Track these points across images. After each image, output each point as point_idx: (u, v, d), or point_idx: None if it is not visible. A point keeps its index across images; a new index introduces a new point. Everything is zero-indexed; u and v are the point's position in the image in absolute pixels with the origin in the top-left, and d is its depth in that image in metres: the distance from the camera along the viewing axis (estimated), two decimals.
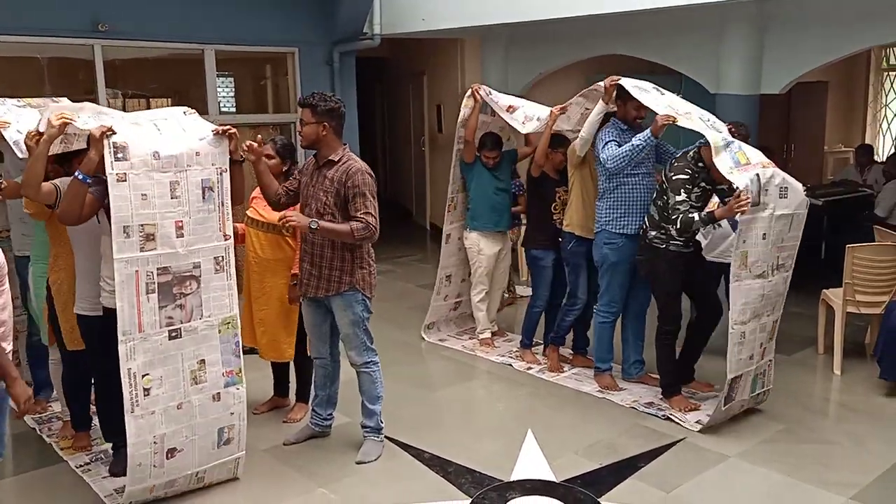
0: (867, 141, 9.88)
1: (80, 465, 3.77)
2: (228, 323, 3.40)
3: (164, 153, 3.17)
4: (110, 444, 3.72)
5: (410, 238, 9.61)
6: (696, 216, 4.00)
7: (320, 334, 3.86)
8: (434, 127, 9.59)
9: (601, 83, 4.49)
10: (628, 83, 4.29)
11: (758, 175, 3.77)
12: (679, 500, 3.45)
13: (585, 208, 4.69)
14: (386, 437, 3.95)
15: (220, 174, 3.34)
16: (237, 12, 7.08)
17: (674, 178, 4.10)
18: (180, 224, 3.21)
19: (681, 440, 4.00)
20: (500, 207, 5.26)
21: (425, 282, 7.27)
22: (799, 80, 6.25)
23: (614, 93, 4.42)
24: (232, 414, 3.46)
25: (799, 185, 4.00)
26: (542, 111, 4.97)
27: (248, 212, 4.15)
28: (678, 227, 4.05)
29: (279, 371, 4.42)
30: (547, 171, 4.92)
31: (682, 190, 4.05)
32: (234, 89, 8.26)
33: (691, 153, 4.13)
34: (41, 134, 3.24)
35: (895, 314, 4.54)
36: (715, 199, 4.40)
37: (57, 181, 3.34)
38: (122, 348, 3.12)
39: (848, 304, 4.89)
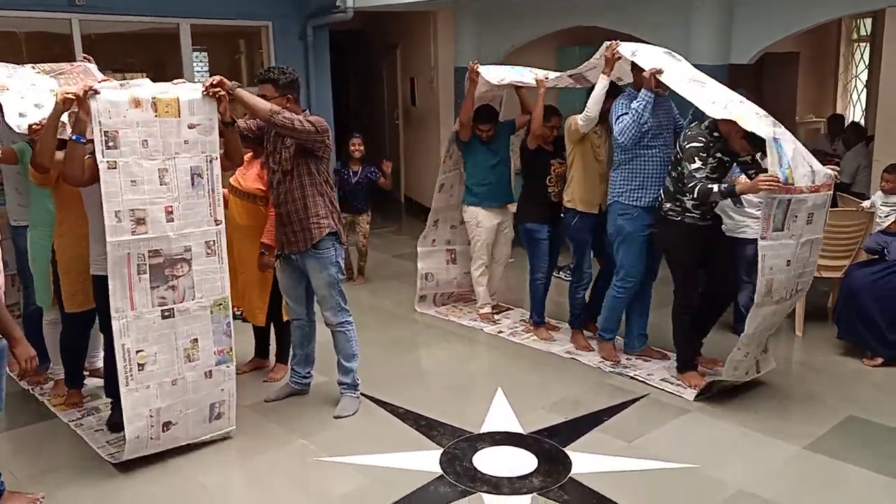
0: (838, 111, 10.06)
1: (73, 420, 3.92)
2: (220, 304, 3.53)
3: (153, 142, 3.26)
4: (109, 400, 3.85)
5: (386, 210, 9.69)
6: (714, 187, 3.82)
7: (296, 296, 3.99)
8: (408, 100, 9.63)
9: (604, 51, 4.30)
10: (627, 50, 4.19)
11: (789, 201, 3.60)
12: (639, 449, 3.62)
13: (587, 183, 4.60)
14: (362, 394, 4.09)
15: (210, 161, 3.43)
16: None
17: (687, 146, 3.95)
18: (170, 209, 3.33)
19: (644, 396, 4.18)
20: (496, 182, 5.20)
21: (401, 252, 7.43)
22: (770, 50, 6.33)
23: (615, 64, 4.30)
24: (222, 390, 3.61)
25: (825, 212, 3.85)
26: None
27: (230, 179, 4.26)
28: (695, 196, 3.88)
29: (260, 334, 4.56)
30: (540, 143, 4.85)
31: (697, 158, 3.90)
32: (207, 64, 8.27)
33: (706, 123, 3.96)
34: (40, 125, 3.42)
35: (853, 276, 4.71)
36: (742, 178, 4.25)
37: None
38: (115, 325, 3.26)
39: None
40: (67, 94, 3.21)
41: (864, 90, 10.24)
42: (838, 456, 3.52)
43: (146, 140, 3.24)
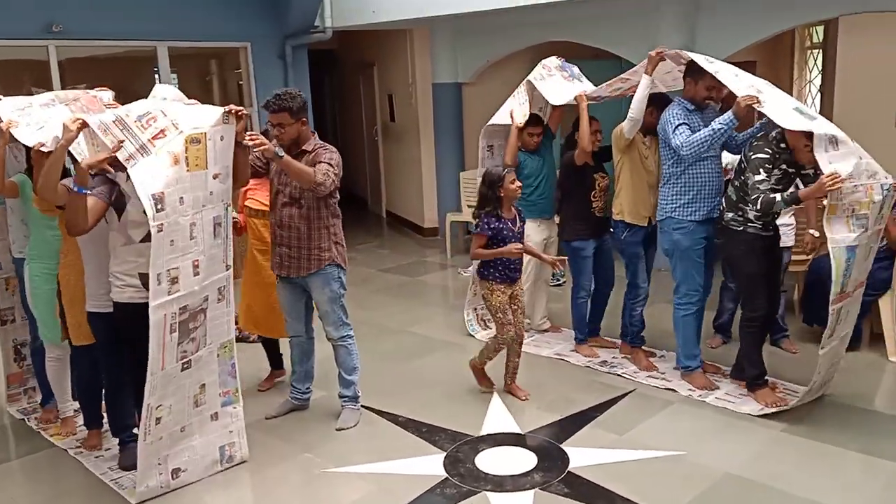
0: None
1: (73, 448, 3.92)
2: (226, 347, 3.50)
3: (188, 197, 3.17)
4: (117, 440, 3.77)
5: (368, 225, 9.90)
6: (777, 197, 3.76)
7: (296, 314, 4.08)
8: (387, 116, 9.80)
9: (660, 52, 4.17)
10: (700, 59, 4.01)
11: (840, 309, 3.67)
12: (630, 441, 3.82)
13: (635, 194, 4.47)
14: (362, 405, 4.21)
15: (226, 208, 3.37)
16: (190, 8, 7.18)
17: (753, 157, 3.86)
18: (196, 263, 3.25)
19: (631, 391, 4.39)
20: (545, 194, 5.02)
21: (385, 266, 7.61)
22: (730, 60, 6.61)
23: (658, 64, 4.19)
24: (231, 432, 3.62)
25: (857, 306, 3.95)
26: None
27: (247, 203, 4.32)
28: (758, 207, 3.81)
29: (269, 347, 4.66)
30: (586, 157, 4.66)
31: (762, 169, 3.82)
32: (177, 85, 8.34)
33: (773, 133, 3.88)
34: (42, 145, 3.34)
35: (817, 267, 4.93)
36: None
37: (66, 181, 3.28)
38: (147, 386, 3.17)
39: None
40: (78, 119, 3.11)
41: (819, 94, 10.68)
42: (815, 437, 3.76)
43: (182, 197, 3.15)
